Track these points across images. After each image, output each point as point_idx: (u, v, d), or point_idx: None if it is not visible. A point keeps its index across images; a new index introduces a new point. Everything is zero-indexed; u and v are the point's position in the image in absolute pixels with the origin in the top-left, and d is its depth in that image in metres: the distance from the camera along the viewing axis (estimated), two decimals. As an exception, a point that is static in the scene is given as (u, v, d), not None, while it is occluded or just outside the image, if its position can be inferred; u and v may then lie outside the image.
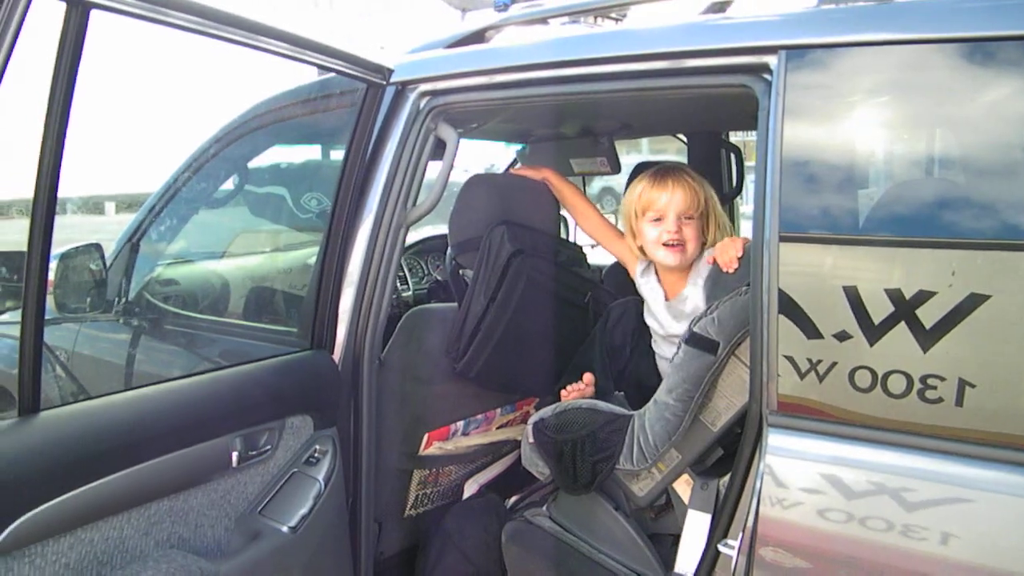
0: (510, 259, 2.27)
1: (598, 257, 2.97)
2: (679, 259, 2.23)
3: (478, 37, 2.24)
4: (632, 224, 2.31)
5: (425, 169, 2.20)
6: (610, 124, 3.01)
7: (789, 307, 1.52)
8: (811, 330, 1.50)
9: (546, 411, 2.13)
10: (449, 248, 2.47)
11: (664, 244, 2.23)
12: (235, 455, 1.75)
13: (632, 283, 2.44)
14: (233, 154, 2.66)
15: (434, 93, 2.12)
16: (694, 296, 2.24)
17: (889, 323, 1.44)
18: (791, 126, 1.54)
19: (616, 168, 3.32)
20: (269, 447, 1.85)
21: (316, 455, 1.95)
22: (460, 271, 2.45)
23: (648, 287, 2.36)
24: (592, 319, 2.50)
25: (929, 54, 1.44)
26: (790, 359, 1.52)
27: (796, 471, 1.52)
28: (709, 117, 2.87)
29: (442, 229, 3.46)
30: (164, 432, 1.62)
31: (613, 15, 2.30)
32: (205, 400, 1.74)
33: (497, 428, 2.64)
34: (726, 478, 1.95)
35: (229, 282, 3.01)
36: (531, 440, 2.14)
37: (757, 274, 1.58)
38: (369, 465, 2.13)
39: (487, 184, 2.43)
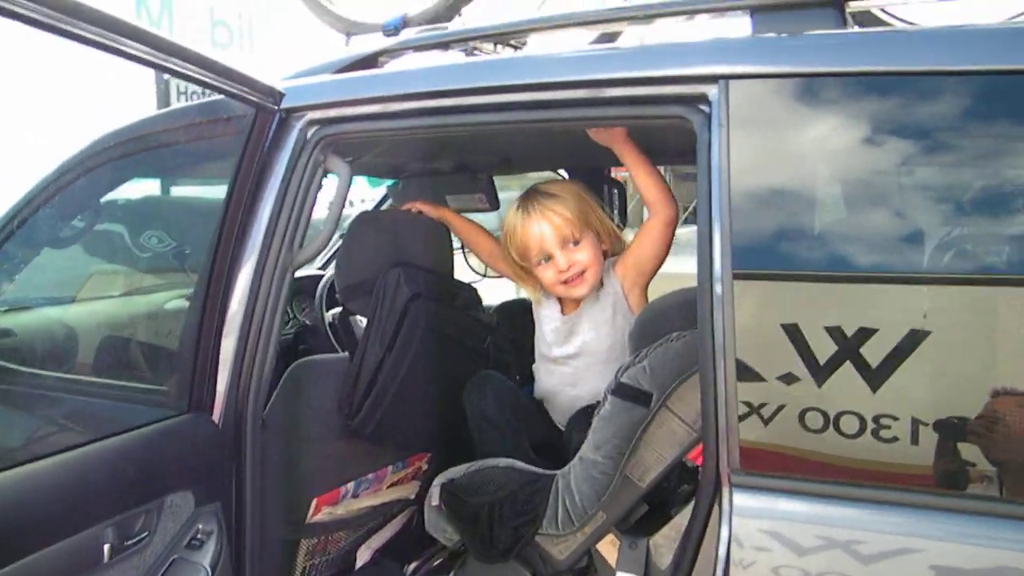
0: (408, 304, 2.08)
1: (484, 295, 2.80)
2: (587, 287, 2.12)
3: (371, 62, 2.05)
4: (521, 270, 2.22)
5: (313, 206, 1.99)
6: (489, 159, 2.86)
7: (747, 349, 1.40)
8: (773, 373, 1.38)
9: (455, 471, 1.95)
10: (337, 292, 2.25)
11: (564, 282, 2.11)
12: (107, 547, 1.46)
13: (524, 320, 2.35)
14: (87, 184, 2.35)
15: (323, 122, 1.90)
16: (592, 312, 2.17)
17: (835, 363, 1.34)
18: (737, 158, 1.43)
19: (495, 205, 3.17)
20: (146, 533, 1.57)
21: (199, 536, 1.68)
22: (349, 318, 2.23)
23: (547, 307, 2.26)
24: (492, 365, 2.33)
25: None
26: (751, 406, 1.39)
27: (780, 535, 1.38)
28: (593, 152, 2.76)
29: (309, 270, 3.23)
30: (17, 531, 1.32)
31: (512, 42, 2.16)
32: (68, 486, 1.45)
33: (388, 487, 2.42)
34: (656, 537, 1.83)
35: (77, 332, 2.66)
36: (436, 503, 1.94)
37: (706, 315, 1.45)
38: (253, 540, 1.87)
39: (378, 222, 2.24)
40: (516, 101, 1.68)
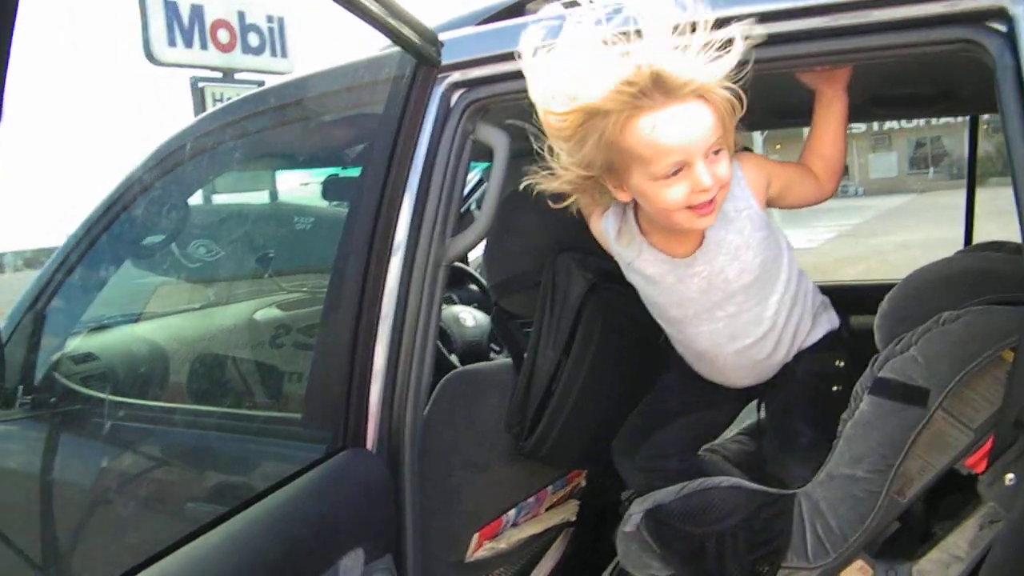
0: (585, 296, 1.74)
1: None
2: (714, 219, 1.44)
3: (517, 10, 1.70)
4: (616, 181, 1.44)
5: (464, 187, 1.65)
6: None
7: None
8: None
9: (662, 494, 1.60)
10: (489, 289, 1.91)
11: (694, 207, 1.38)
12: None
13: None
14: (171, 185, 2.03)
15: (470, 84, 1.56)
16: (723, 237, 1.53)
17: None
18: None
19: None
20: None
21: (374, 604, 1.35)
22: (507, 318, 1.89)
23: (632, 248, 1.60)
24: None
25: None
26: None
27: None
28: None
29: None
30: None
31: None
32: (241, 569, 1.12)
33: (547, 509, 2.08)
34: (921, 562, 1.48)
35: (167, 352, 2.35)
36: (641, 534, 1.60)
37: None
38: None
39: (536, 201, 1.88)
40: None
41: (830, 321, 1.73)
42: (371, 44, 1.83)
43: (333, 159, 2.45)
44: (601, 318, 1.77)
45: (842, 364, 1.70)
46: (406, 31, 1.34)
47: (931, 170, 31.87)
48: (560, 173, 1.43)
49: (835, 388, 1.68)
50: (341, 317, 1.53)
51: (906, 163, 33.34)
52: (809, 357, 1.69)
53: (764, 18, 1.28)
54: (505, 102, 1.58)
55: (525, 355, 1.81)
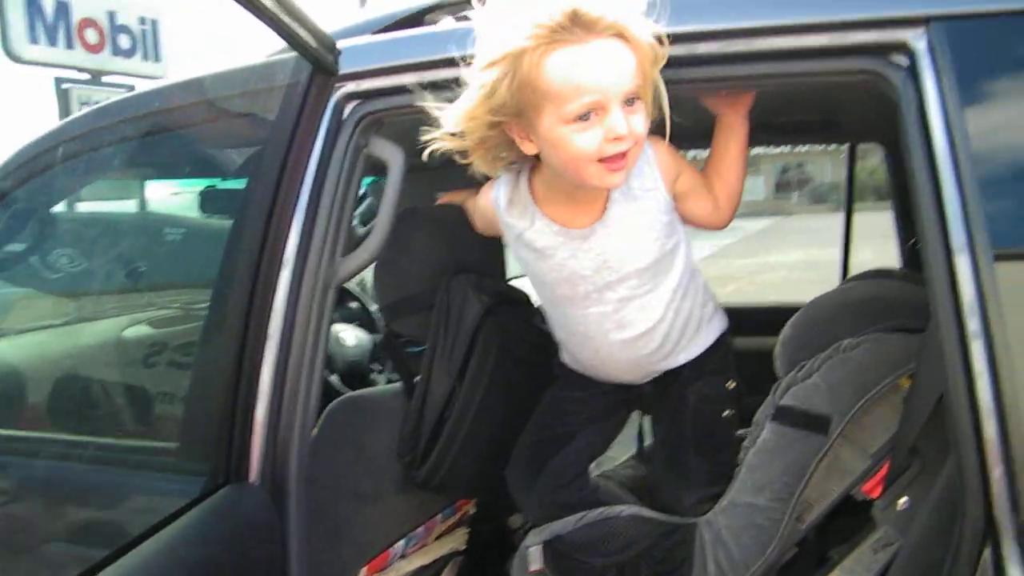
0: (480, 320, 1.68)
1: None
2: (623, 178, 1.36)
3: (415, 21, 1.63)
4: (524, 129, 1.35)
5: (355, 205, 1.57)
6: None
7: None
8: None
9: (560, 525, 1.56)
10: (379, 311, 1.83)
11: (606, 159, 1.30)
12: None
13: None
14: (33, 191, 1.87)
15: (364, 95, 1.49)
16: (636, 214, 1.48)
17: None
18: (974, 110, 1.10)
19: None
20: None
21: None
22: (397, 341, 1.81)
23: (521, 216, 1.53)
24: None
25: None
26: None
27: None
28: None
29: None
30: None
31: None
32: None
33: (436, 539, 2.01)
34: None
35: (23, 373, 2.16)
36: (537, 568, 1.55)
37: (948, 314, 1.09)
38: None
39: (432, 220, 1.82)
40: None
41: (720, 324, 1.71)
42: (255, 53, 1.73)
43: (213, 169, 2.32)
44: (497, 342, 1.72)
45: (732, 386, 1.69)
46: (303, 34, 1.26)
47: (795, 194, 33.29)
48: (465, 126, 1.34)
49: (725, 413, 1.67)
50: (225, 337, 1.42)
51: (772, 187, 34.72)
52: (700, 382, 1.67)
53: (675, 39, 1.27)
54: (401, 115, 1.52)
55: (417, 380, 1.74)
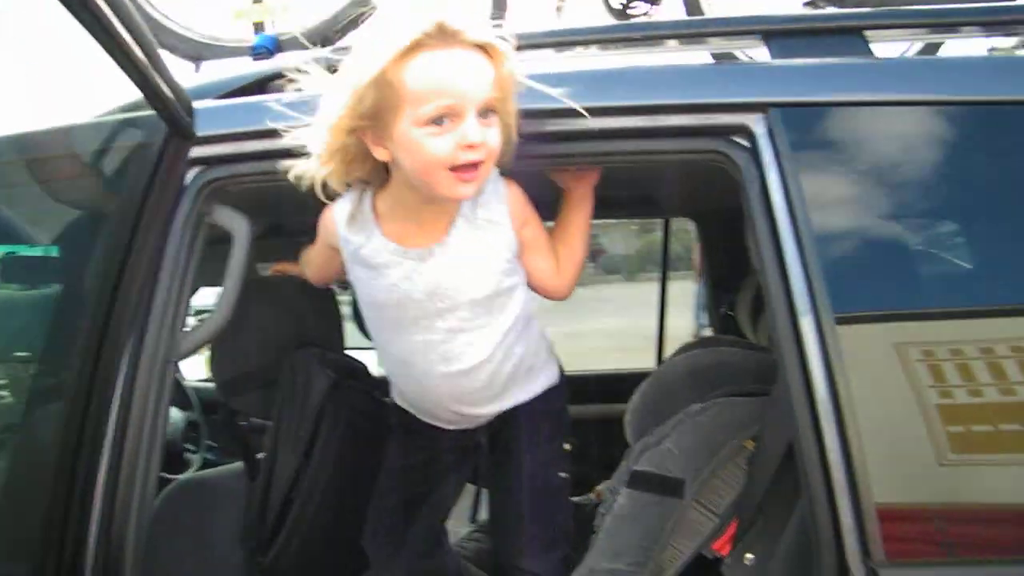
0: (327, 394, 1.62)
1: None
2: (474, 190, 1.36)
3: (260, 87, 1.59)
4: (379, 133, 1.33)
5: (195, 275, 1.49)
6: None
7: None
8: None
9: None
10: (216, 388, 1.73)
11: (456, 169, 1.30)
12: None
13: None
14: None
15: (208, 161, 1.43)
16: (476, 244, 1.46)
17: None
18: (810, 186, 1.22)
19: None
20: None
21: None
22: (236, 420, 1.72)
23: (359, 231, 1.48)
24: None
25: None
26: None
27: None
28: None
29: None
30: None
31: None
32: None
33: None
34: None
35: None
36: None
37: (795, 371, 1.17)
38: None
39: (268, 290, 1.75)
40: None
41: (552, 375, 1.67)
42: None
43: (17, 235, 2.14)
44: (344, 416, 1.67)
45: (569, 448, 1.68)
46: (165, 92, 1.20)
47: (592, 265, 34.70)
48: (327, 133, 1.31)
49: (562, 474, 1.66)
50: (56, 419, 1.30)
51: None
52: (535, 444, 1.66)
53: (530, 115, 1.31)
54: (245, 183, 1.47)
55: (259, 459, 1.65)
